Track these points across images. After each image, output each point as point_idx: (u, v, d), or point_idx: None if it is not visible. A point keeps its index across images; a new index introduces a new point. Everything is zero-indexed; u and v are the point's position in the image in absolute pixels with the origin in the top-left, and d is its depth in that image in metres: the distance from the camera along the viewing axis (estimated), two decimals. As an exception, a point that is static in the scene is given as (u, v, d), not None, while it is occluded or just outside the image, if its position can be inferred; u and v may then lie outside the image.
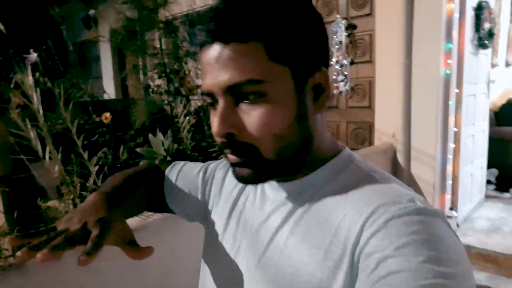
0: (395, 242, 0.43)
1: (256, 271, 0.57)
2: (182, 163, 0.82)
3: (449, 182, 2.77)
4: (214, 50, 0.49)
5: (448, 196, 2.76)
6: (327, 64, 0.56)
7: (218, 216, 0.70)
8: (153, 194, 0.76)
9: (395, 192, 0.50)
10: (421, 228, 0.44)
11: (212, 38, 0.49)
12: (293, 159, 0.54)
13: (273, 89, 0.49)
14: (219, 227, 0.69)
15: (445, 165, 2.71)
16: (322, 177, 0.56)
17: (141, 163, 2.62)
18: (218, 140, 0.53)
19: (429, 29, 2.57)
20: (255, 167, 0.53)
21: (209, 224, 0.72)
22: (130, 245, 0.53)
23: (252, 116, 0.50)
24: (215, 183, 0.74)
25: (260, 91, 0.49)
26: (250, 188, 0.68)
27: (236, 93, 0.50)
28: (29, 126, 1.52)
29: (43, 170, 1.61)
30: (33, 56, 1.46)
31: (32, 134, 1.52)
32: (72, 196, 1.53)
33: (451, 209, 2.69)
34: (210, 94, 0.53)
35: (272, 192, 0.61)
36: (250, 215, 0.63)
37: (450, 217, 2.62)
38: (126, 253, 0.53)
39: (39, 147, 1.57)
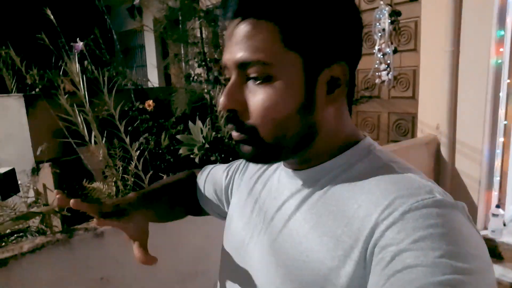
0: (411, 235, 0.42)
1: (267, 257, 0.57)
2: (211, 166, 0.86)
3: (496, 178, 2.62)
4: (234, 25, 0.51)
5: (495, 193, 2.62)
6: (353, 59, 0.54)
7: (235, 203, 0.72)
8: (190, 200, 0.84)
9: (414, 183, 0.48)
10: (440, 221, 0.42)
11: (233, 13, 0.51)
12: (294, 148, 0.54)
13: (281, 75, 0.49)
14: (235, 214, 0.70)
15: (493, 160, 2.56)
16: (338, 165, 0.55)
17: (180, 149, 2.70)
18: (224, 114, 0.54)
19: (479, 15, 2.42)
20: (255, 146, 0.53)
21: (228, 212, 0.74)
22: (142, 247, 0.61)
23: (255, 97, 0.51)
24: (238, 177, 0.76)
25: (267, 74, 0.49)
26: (266, 176, 0.68)
27: (245, 71, 0.51)
28: (76, 111, 1.61)
29: (89, 153, 1.70)
30: (80, 44, 1.54)
31: (79, 119, 1.61)
32: (114, 179, 1.61)
33: (498, 206, 2.55)
34: (226, 67, 0.53)
35: (288, 180, 0.61)
36: (265, 202, 0.64)
37: (496, 215, 2.49)
38: (136, 252, 0.60)
39: (86, 132, 1.65)
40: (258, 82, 0.50)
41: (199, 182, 0.84)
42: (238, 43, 0.50)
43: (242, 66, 0.50)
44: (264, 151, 0.53)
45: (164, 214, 0.79)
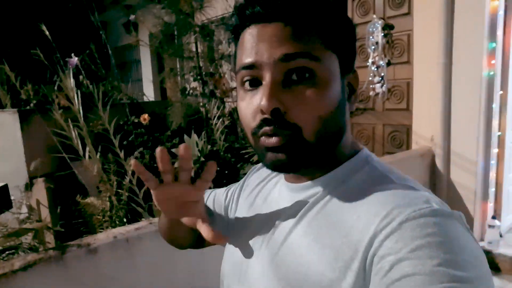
0: (409, 244, 0.42)
1: (269, 270, 0.57)
2: (209, 191, 0.84)
3: (492, 190, 2.63)
4: (271, 28, 0.50)
5: (490, 204, 2.62)
6: (354, 68, 0.58)
7: (235, 220, 0.71)
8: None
9: (411, 193, 0.49)
10: (437, 230, 0.43)
11: (272, 18, 0.50)
12: (328, 148, 0.54)
13: (324, 72, 0.50)
14: (236, 229, 0.70)
15: (488, 171, 2.57)
16: (337, 177, 0.56)
17: (176, 163, 2.69)
18: (258, 118, 0.51)
19: (471, 28, 2.46)
20: (292, 150, 0.51)
21: (230, 226, 0.73)
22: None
23: (300, 96, 0.50)
24: (237, 195, 0.75)
25: (312, 70, 0.49)
26: (267, 190, 0.68)
27: (289, 68, 0.50)
28: (71, 126, 1.61)
29: (83, 168, 1.69)
30: (74, 60, 1.54)
31: (74, 134, 1.60)
32: (108, 194, 1.60)
33: (494, 217, 2.55)
34: (253, 67, 0.51)
35: (288, 194, 0.61)
36: (266, 217, 0.64)
37: (492, 226, 2.48)
38: (208, 231, 0.57)
39: (80, 147, 1.65)
40: (303, 79, 0.50)
41: None
42: (281, 41, 0.49)
43: (287, 60, 0.49)
44: (300, 155, 0.52)
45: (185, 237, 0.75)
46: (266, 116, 0.50)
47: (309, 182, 0.58)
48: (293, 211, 0.58)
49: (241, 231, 0.68)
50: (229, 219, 0.76)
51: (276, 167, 0.53)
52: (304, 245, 0.53)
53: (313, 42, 0.50)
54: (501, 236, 2.58)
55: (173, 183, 0.54)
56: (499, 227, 2.51)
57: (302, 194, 0.58)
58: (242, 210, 0.71)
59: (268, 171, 0.72)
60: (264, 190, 0.69)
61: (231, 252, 0.68)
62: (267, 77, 0.50)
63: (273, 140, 0.51)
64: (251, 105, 0.52)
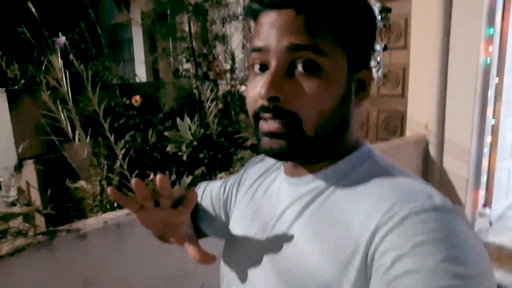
0: (411, 240, 0.42)
1: (269, 265, 0.57)
2: (205, 183, 0.84)
3: (483, 177, 2.64)
4: (284, 14, 0.50)
5: (482, 192, 2.64)
6: (369, 65, 0.57)
7: (235, 215, 0.71)
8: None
9: (412, 188, 0.49)
10: (439, 226, 0.42)
11: (286, 4, 0.50)
12: (326, 141, 0.54)
13: (330, 67, 0.50)
14: (235, 223, 0.69)
15: (481, 159, 2.58)
16: (338, 172, 0.56)
17: (168, 147, 2.66)
18: (259, 103, 0.52)
19: (469, 13, 2.42)
20: (291, 138, 0.51)
21: (229, 225, 0.72)
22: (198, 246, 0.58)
23: (303, 86, 0.50)
24: (235, 189, 0.75)
25: (318, 64, 0.49)
26: (266, 184, 0.67)
27: (294, 58, 0.50)
28: (59, 108, 1.56)
29: (73, 151, 1.65)
30: (62, 39, 1.48)
31: (62, 116, 1.56)
32: (99, 178, 1.57)
33: (485, 205, 2.58)
34: (263, 51, 0.52)
35: (288, 188, 0.60)
36: (265, 211, 0.63)
37: (483, 214, 2.51)
38: (195, 251, 0.58)
39: (69, 129, 1.61)
40: (307, 71, 0.50)
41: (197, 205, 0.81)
42: (291, 29, 0.49)
43: (293, 50, 0.49)
44: (299, 145, 0.52)
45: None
46: (265, 103, 0.51)
47: (309, 176, 0.57)
48: (293, 205, 0.57)
49: (240, 226, 0.67)
50: (228, 214, 0.75)
51: (270, 152, 0.53)
52: (305, 239, 0.53)
53: (322, 35, 0.50)
54: (490, 224, 2.61)
55: (154, 208, 0.54)
56: (489, 216, 2.54)
57: (302, 188, 0.57)
58: (241, 204, 0.70)
59: (267, 165, 0.71)
60: (263, 184, 0.68)
61: (230, 247, 0.68)
62: (272, 64, 0.51)
63: (271, 126, 0.52)
64: (255, 89, 0.53)
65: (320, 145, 0.54)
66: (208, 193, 0.80)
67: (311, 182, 0.57)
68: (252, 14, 0.55)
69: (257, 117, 0.54)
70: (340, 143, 0.56)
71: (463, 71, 2.48)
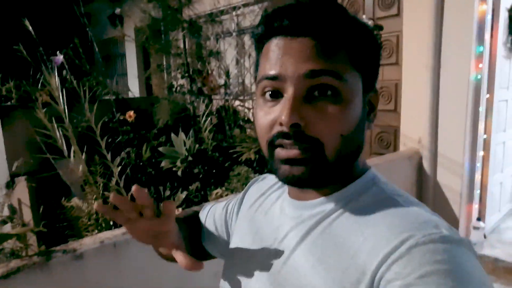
0: (418, 270, 0.41)
1: (273, 284, 0.55)
2: (211, 204, 0.84)
3: (477, 191, 2.67)
4: (299, 42, 0.50)
5: (475, 206, 2.67)
6: (376, 87, 0.58)
7: (235, 236, 0.70)
8: (195, 239, 0.79)
9: (419, 218, 0.48)
10: (446, 257, 0.42)
11: (300, 32, 0.50)
12: (346, 166, 0.54)
13: (348, 91, 0.50)
14: (235, 245, 0.68)
15: (473, 173, 2.61)
16: (343, 197, 0.55)
17: (162, 162, 2.65)
18: (275, 130, 0.51)
19: (459, 31, 2.48)
20: (312, 164, 0.51)
21: (230, 245, 0.72)
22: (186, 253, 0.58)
23: (323, 112, 0.50)
24: (236, 209, 0.74)
25: (335, 88, 0.49)
26: (268, 205, 0.67)
27: (312, 85, 0.50)
28: (55, 125, 1.55)
29: (67, 169, 1.63)
30: (60, 58, 1.48)
31: (58, 133, 1.55)
32: (94, 196, 1.55)
33: (478, 219, 2.60)
34: (276, 79, 0.51)
35: (291, 210, 0.59)
36: (267, 233, 0.62)
37: (477, 228, 2.53)
38: (182, 258, 0.57)
39: (64, 147, 1.59)
40: (327, 97, 0.50)
41: (200, 219, 0.81)
42: (307, 56, 0.49)
43: (312, 76, 0.49)
44: (320, 171, 0.51)
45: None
46: (284, 129, 0.50)
47: (314, 201, 0.56)
48: (296, 228, 0.56)
49: (240, 248, 0.66)
50: (230, 234, 0.74)
51: (291, 180, 0.52)
52: (308, 265, 0.52)
53: (338, 60, 0.50)
54: (485, 237, 2.63)
55: (139, 218, 0.55)
56: (483, 229, 2.56)
57: (306, 212, 0.57)
58: (242, 225, 0.69)
59: (269, 184, 0.71)
60: (264, 204, 0.67)
61: (230, 268, 0.67)
62: (289, 91, 0.50)
63: (292, 152, 0.51)
64: (269, 116, 0.52)
65: (339, 169, 0.53)
66: (212, 214, 0.79)
67: (316, 207, 0.56)
68: (259, 40, 0.55)
69: (272, 144, 0.53)
70: (353, 167, 0.56)
71: (455, 87, 2.53)
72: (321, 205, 0.56)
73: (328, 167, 0.51)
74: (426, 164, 2.67)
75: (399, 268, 0.43)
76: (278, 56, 0.51)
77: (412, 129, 2.75)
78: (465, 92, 2.49)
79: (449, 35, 2.51)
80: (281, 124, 0.50)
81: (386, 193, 0.54)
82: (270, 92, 0.53)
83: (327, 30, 0.50)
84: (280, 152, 0.52)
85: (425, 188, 2.70)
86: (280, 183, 0.68)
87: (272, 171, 0.55)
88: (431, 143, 2.63)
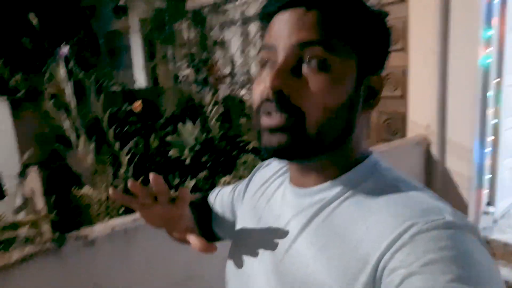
0: (421, 258, 0.41)
1: (273, 278, 0.55)
2: (219, 188, 0.85)
3: (486, 177, 2.65)
4: (294, 13, 0.50)
5: (485, 191, 2.65)
6: (381, 70, 0.56)
7: (239, 222, 0.71)
8: (204, 224, 0.80)
9: (422, 204, 0.47)
10: (450, 243, 0.41)
11: (296, 2, 0.50)
12: (328, 142, 0.52)
13: (338, 66, 0.49)
14: (239, 232, 0.69)
15: (483, 159, 2.59)
16: (344, 184, 0.54)
17: (171, 151, 2.67)
18: (263, 96, 0.51)
19: (466, 16, 2.44)
20: (291, 133, 0.50)
21: (235, 231, 0.72)
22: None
23: (310, 82, 0.49)
24: (242, 195, 0.75)
25: (326, 60, 0.49)
26: (270, 192, 0.66)
27: (302, 55, 0.50)
28: (62, 117, 1.56)
29: (76, 158, 1.65)
30: (65, 49, 1.49)
31: (66, 124, 1.56)
32: (104, 184, 1.57)
33: (489, 204, 2.59)
34: (272, 49, 0.52)
35: (292, 198, 0.59)
36: (269, 221, 0.62)
37: (487, 213, 2.52)
38: (196, 241, 0.59)
39: (73, 137, 1.61)
40: (315, 67, 0.49)
41: (209, 203, 0.83)
42: (300, 26, 0.49)
43: (302, 46, 0.49)
44: (299, 141, 0.50)
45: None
46: (269, 95, 0.50)
47: (314, 188, 0.56)
48: (297, 217, 0.56)
49: (244, 235, 0.66)
50: (236, 218, 0.75)
51: (269, 149, 0.52)
52: (310, 254, 0.51)
53: (332, 33, 0.49)
54: (495, 222, 2.62)
55: (154, 204, 0.58)
56: (493, 214, 2.55)
57: (307, 200, 0.56)
58: (246, 211, 0.70)
59: (272, 171, 0.70)
60: (267, 191, 0.67)
61: (235, 254, 0.67)
62: (280, 57, 0.50)
63: (273, 120, 0.50)
64: (260, 84, 0.52)
65: (322, 145, 0.52)
66: (220, 198, 0.81)
67: (316, 194, 0.55)
68: (266, 18, 0.55)
69: (258, 111, 0.53)
70: (345, 151, 0.54)
71: (463, 72, 2.50)
72: (321, 192, 0.55)
73: (308, 139, 0.50)
74: (434, 150, 2.66)
75: (402, 256, 0.42)
76: (276, 28, 0.52)
77: (420, 115, 2.73)
78: (474, 77, 2.46)
79: (457, 19, 2.47)
80: (266, 89, 0.50)
81: (388, 179, 0.53)
82: (267, 63, 0.53)
83: (326, 3, 0.50)
84: (264, 120, 0.52)
85: (434, 175, 2.69)
86: (282, 169, 0.68)
87: (258, 142, 0.55)
88: (440, 129, 2.61)
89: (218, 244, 0.73)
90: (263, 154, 0.54)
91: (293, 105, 0.49)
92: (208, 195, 0.87)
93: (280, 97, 0.49)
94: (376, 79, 0.54)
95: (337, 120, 0.51)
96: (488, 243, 2.47)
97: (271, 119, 0.50)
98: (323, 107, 0.49)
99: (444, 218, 0.44)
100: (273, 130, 0.51)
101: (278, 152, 0.52)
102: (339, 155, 0.54)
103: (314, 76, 0.49)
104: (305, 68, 0.50)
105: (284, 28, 0.50)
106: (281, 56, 0.50)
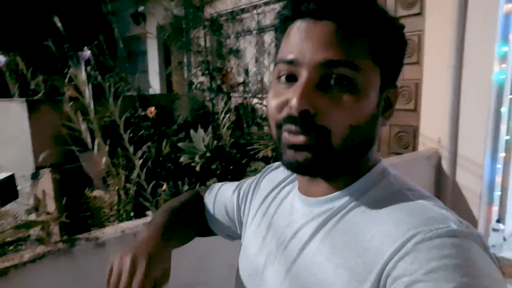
0: (425, 266, 0.41)
1: (283, 286, 0.56)
2: (218, 185, 0.84)
3: (497, 193, 2.62)
4: (321, 27, 0.49)
5: (495, 208, 2.61)
6: (396, 84, 0.57)
7: (250, 227, 0.71)
8: (199, 221, 0.81)
9: (427, 213, 0.47)
10: (454, 252, 0.41)
11: (326, 15, 0.49)
12: (352, 158, 0.53)
13: (364, 83, 0.49)
14: (250, 238, 0.69)
15: (494, 175, 2.56)
16: (352, 193, 0.55)
17: (182, 157, 2.70)
18: (284, 113, 0.50)
19: (483, 31, 2.43)
20: (317, 151, 0.50)
21: (244, 234, 0.73)
22: None
23: (334, 100, 0.49)
24: (251, 198, 0.74)
25: (352, 79, 0.48)
26: (279, 199, 0.67)
27: (327, 74, 0.49)
28: (80, 119, 1.61)
29: (91, 161, 1.69)
30: (87, 53, 1.54)
31: (83, 126, 1.61)
32: (116, 187, 1.60)
33: (498, 221, 2.55)
34: (292, 63, 0.50)
35: (302, 206, 0.60)
36: (279, 228, 0.62)
37: (496, 230, 2.48)
38: None
39: (89, 139, 1.65)
40: (341, 87, 0.49)
41: (207, 202, 0.82)
42: (327, 44, 0.48)
43: (328, 66, 0.48)
44: (325, 158, 0.51)
45: (184, 240, 0.75)
46: (293, 113, 0.49)
47: (324, 197, 0.56)
48: (307, 225, 0.57)
49: (255, 241, 0.67)
50: (242, 219, 0.75)
51: (294, 165, 0.52)
52: (318, 263, 0.52)
53: (358, 50, 0.49)
54: (504, 240, 2.58)
55: None
56: (503, 231, 2.51)
57: (316, 209, 0.57)
58: (255, 218, 0.70)
59: (280, 177, 0.71)
60: (277, 197, 0.68)
61: (245, 262, 0.68)
62: (303, 76, 0.49)
63: (298, 138, 0.50)
64: (281, 97, 0.51)
65: (345, 160, 0.52)
66: (221, 197, 0.80)
67: (325, 203, 0.56)
68: (283, 21, 0.54)
69: (280, 127, 0.52)
70: (361, 162, 0.55)
71: (477, 87, 2.48)
72: (330, 201, 0.55)
73: (333, 155, 0.51)
74: (445, 165, 2.63)
75: (405, 264, 0.42)
76: (298, 40, 0.50)
77: (432, 129, 2.72)
78: (487, 92, 2.44)
79: (473, 34, 2.46)
80: (291, 108, 0.49)
81: (395, 186, 0.54)
82: (285, 76, 0.52)
83: (351, 16, 0.49)
84: (286, 137, 0.51)
85: (444, 189, 2.66)
86: (292, 176, 0.68)
87: (277, 154, 0.55)
88: (451, 143, 2.59)
89: (221, 252, 0.75)
90: (286, 169, 0.54)
91: (318, 125, 0.49)
92: (198, 192, 0.85)
93: (305, 117, 0.49)
94: (393, 91, 0.55)
95: (361, 136, 0.51)
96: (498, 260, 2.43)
97: (294, 137, 0.50)
98: (349, 124, 0.49)
99: (448, 226, 0.44)
100: (297, 147, 0.50)
101: (302, 169, 0.52)
102: (354, 166, 0.55)
103: (341, 96, 0.49)
104: (331, 87, 0.49)
105: (309, 43, 0.49)
106: (304, 72, 0.49)
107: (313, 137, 0.49)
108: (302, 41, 0.49)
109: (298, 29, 0.50)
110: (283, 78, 0.52)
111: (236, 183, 0.81)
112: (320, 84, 0.49)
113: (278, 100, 0.52)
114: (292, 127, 0.50)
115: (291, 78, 0.51)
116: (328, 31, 0.48)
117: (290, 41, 0.51)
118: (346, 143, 0.50)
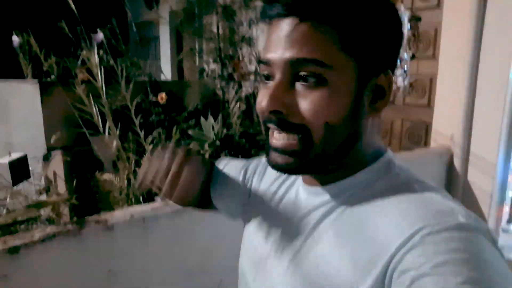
0: (432, 259, 0.40)
1: (287, 275, 0.56)
2: (227, 159, 0.83)
3: (509, 193, 2.58)
4: (287, 24, 0.48)
5: (507, 208, 2.58)
6: (394, 68, 0.53)
7: (254, 214, 0.70)
8: (203, 187, 0.76)
9: (435, 205, 0.47)
10: (462, 245, 0.41)
11: (288, 11, 0.48)
12: (334, 156, 0.52)
13: (336, 78, 0.47)
14: (254, 225, 0.68)
15: (507, 175, 2.52)
16: (357, 184, 0.54)
17: (191, 145, 2.70)
18: (264, 116, 0.51)
19: (502, 26, 2.37)
20: (298, 156, 0.50)
21: (247, 218, 0.72)
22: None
23: (307, 100, 0.48)
24: (256, 183, 0.73)
25: (322, 76, 0.47)
26: (283, 189, 0.66)
27: (297, 72, 0.48)
28: (92, 101, 1.61)
29: (102, 144, 1.70)
30: (100, 35, 1.54)
31: (95, 109, 1.61)
32: (126, 172, 1.61)
33: (509, 222, 2.52)
34: (268, 64, 0.50)
35: (306, 197, 0.59)
36: (283, 218, 0.62)
37: (506, 230, 2.46)
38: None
39: (100, 123, 1.65)
40: (311, 84, 0.48)
41: (215, 172, 0.79)
42: (293, 41, 0.47)
43: (295, 64, 0.48)
44: (306, 162, 0.51)
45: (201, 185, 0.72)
46: (266, 115, 0.50)
47: (326, 186, 0.56)
48: (310, 215, 0.56)
49: (259, 229, 0.66)
50: (244, 202, 0.74)
51: (277, 168, 0.53)
52: (322, 253, 0.52)
53: (327, 44, 0.47)
54: (514, 240, 2.55)
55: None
56: (513, 232, 2.48)
57: (319, 199, 0.56)
58: (261, 205, 0.69)
59: None
60: (281, 187, 0.67)
61: (249, 250, 0.67)
62: (276, 76, 0.50)
63: (279, 141, 0.51)
64: (261, 98, 0.52)
65: (328, 159, 0.52)
66: (228, 171, 0.78)
67: (328, 193, 0.55)
68: (266, 24, 0.54)
69: (265, 125, 0.53)
70: (356, 153, 0.54)
71: (493, 85, 2.43)
72: (333, 191, 0.55)
73: (316, 156, 0.51)
74: (457, 162, 2.60)
75: (412, 258, 0.41)
76: (270, 40, 0.50)
77: (445, 125, 2.68)
78: (504, 89, 2.39)
79: (491, 29, 2.40)
80: (263, 110, 0.50)
81: (402, 179, 0.53)
82: (264, 76, 0.52)
83: (315, 9, 0.47)
84: (271, 138, 0.53)
85: (455, 187, 2.63)
86: None
87: (266, 156, 0.55)
88: (464, 140, 2.55)
89: (229, 237, 0.74)
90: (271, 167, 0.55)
91: (294, 123, 0.49)
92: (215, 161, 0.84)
93: (279, 118, 0.49)
94: (384, 77, 0.51)
95: (341, 134, 0.50)
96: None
97: (276, 138, 0.51)
98: (324, 122, 0.48)
99: (456, 219, 0.43)
100: (280, 151, 0.51)
101: (285, 171, 0.54)
102: (348, 160, 0.54)
103: (311, 92, 0.48)
104: (301, 84, 0.48)
105: (278, 43, 0.49)
106: (276, 72, 0.49)
107: (294, 137, 0.50)
108: (273, 40, 0.50)
109: (271, 29, 0.51)
110: (263, 78, 0.53)
111: (243, 161, 0.79)
112: (292, 83, 0.49)
113: (260, 101, 0.52)
114: (271, 125, 0.51)
115: (269, 78, 0.52)
116: (292, 28, 0.47)
117: (267, 41, 0.52)
118: (325, 145, 0.50)
